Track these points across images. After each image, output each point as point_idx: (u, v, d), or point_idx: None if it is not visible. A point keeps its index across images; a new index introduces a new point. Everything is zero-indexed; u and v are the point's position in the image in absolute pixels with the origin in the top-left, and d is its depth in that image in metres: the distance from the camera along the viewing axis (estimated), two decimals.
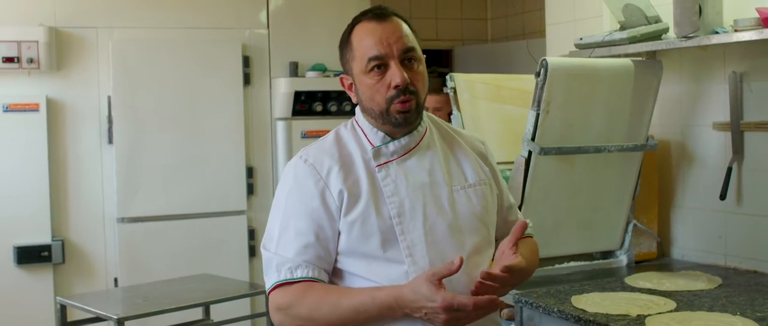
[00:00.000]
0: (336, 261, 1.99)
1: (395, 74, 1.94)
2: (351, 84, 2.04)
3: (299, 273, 1.93)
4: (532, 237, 2.27)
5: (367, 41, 1.96)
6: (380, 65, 1.95)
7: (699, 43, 3.03)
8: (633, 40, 3.24)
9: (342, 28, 2.10)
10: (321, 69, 5.11)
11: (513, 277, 1.90)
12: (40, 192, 4.70)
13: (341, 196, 1.95)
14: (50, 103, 4.75)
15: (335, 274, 2.00)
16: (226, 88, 5.03)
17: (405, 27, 2.00)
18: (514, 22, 6.38)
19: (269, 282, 1.97)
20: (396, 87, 1.94)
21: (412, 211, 1.96)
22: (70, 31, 4.80)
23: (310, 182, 1.97)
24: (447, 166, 2.06)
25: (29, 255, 4.67)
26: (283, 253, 1.95)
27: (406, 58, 1.97)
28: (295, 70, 5.13)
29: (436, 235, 1.96)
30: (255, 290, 4.15)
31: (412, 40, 1.99)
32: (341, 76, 2.08)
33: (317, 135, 4.97)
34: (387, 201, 1.96)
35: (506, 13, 6.48)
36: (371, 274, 1.94)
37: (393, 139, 2.02)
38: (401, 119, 1.97)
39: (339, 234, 1.96)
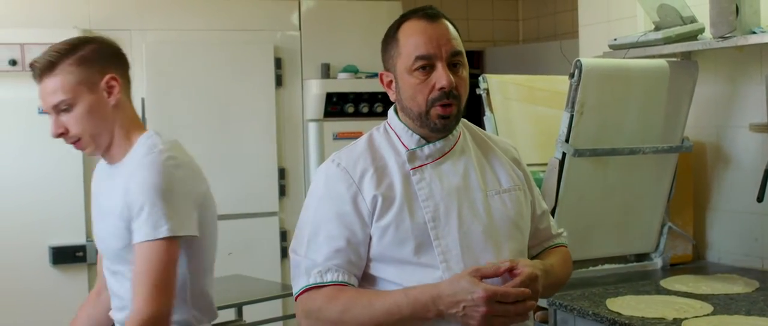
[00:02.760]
0: (368, 266, 1.96)
1: (441, 76, 1.90)
2: (391, 81, 2.00)
3: (329, 277, 1.90)
4: (565, 246, 2.24)
5: (415, 39, 1.93)
6: (426, 65, 1.92)
7: (736, 43, 2.99)
8: (668, 41, 3.21)
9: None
10: (353, 70, 5.11)
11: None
12: (74, 193, 4.74)
13: (375, 201, 1.92)
14: None
15: (367, 280, 1.97)
16: (258, 89, 5.05)
17: (454, 30, 1.97)
18: (546, 22, 6.35)
19: (297, 286, 1.94)
20: (441, 89, 1.90)
21: (447, 216, 1.93)
22: (104, 34, 4.84)
23: (342, 186, 1.94)
24: (481, 171, 2.03)
25: (64, 256, 4.71)
26: (312, 257, 1.92)
27: (453, 62, 1.94)
28: (326, 71, 5.13)
29: (471, 240, 1.93)
30: (287, 291, 4.15)
31: (460, 45, 1.96)
32: (381, 72, 2.04)
33: (349, 136, 4.97)
34: (421, 206, 1.93)
35: (538, 13, 6.44)
36: (404, 280, 1.91)
37: (428, 142, 1.99)
38: (440, 125, 1.94)
39: (370, 239, 1.93)
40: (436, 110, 1.92)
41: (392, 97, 2.03)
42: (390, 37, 1.99)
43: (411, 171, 1.96)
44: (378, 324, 1.85)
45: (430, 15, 1.96)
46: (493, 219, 1.98)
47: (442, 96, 1.91)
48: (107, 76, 2.26)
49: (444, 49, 1.92)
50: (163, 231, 2.13)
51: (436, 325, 1.86)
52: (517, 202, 2.04)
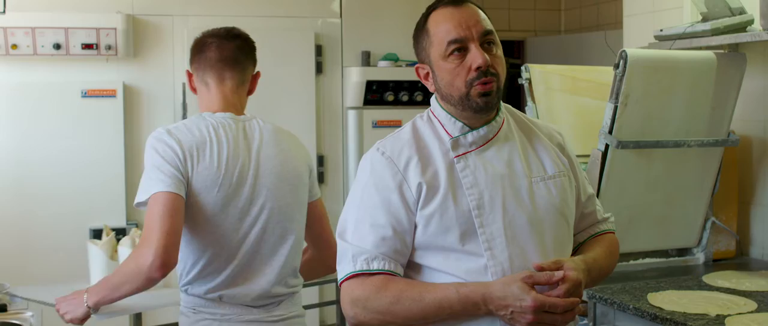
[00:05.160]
0: (413, 255, 1.96)
1: (476, 56, 1.91)
2: (428, 73, 2.01)
3: (376, 265, 1.90)
4: (612, 232, 2.21)
5: (445, 26, 1.94)
6: (460, 48, 1.93)
7: None
8: (716, 32, 3.16)
9: (415, 17, 2.08)
10: (393, 58, 5.10)
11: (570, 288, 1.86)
12: (116, 177, 4.79)
13: (420, 189, 1.92)
14: (127, 89, 4.83)
15: (412, 269, 1.97)
16: (299, 76, 5.06)
17: (481, 12, 1.98)
18: (589, 12, 6.28)
19: (343, 272, 1.94)
20: (477, 68, 1.90)
21: (492, 204, 1.92)
22: (147, 19, 4.87)
23: (388, 175, 1.94)
24: (526, 157, 2.02)
25: None
26: (359, 244, 1.92)
27: (486, 41, 1.94)
28: (367, 59, 5.12)
29: (515, 229, 1.92)
30: (324, 279, 4.15)
31: (489, 24, 1.97)
32: (417, 65, 2.05)
33: (388, 124, 4.97)
34: (466, 193, 1.92)
35: (580, 4, 6.38)
36: (449, 268, 1.91)
37: (471, 129, 1.98)
38: (482, 103, 1.93)
39: (415, 227, 1.94)
40: (477, 89, 1.92)
41: (431, 89, 2.03)
42: (420, 30, 2.01)
43: (455, 159, 1.96)
44: (426, 317, 1.88)
45: (455, 1, 1.97)
46: (538, 206, 1.97)
47: (480, 75, 1.91)
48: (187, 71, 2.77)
49: (474, 29, 1.93)
50: (142, 196, 2.46)
51: (483, 319, 1.89)
52: (561, 189, 2.03)
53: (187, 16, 4.93)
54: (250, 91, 2.80)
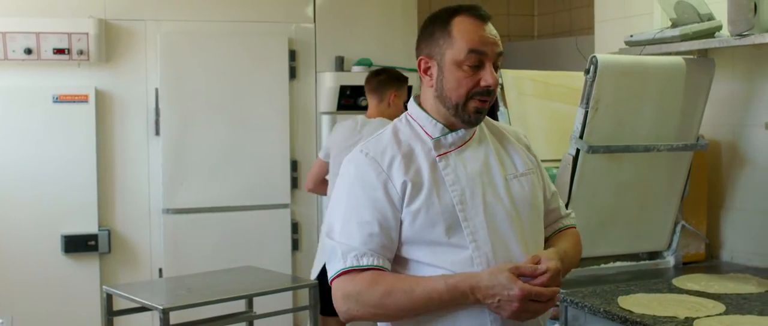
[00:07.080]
0: (399, 250, 2.03)
1: (488, 75, 2.01)
2: (430, 68, 2.07)
3: (365, 261, 1.97)
4: (574, 227, 2.32)
5: (472, 35, 2.02)
6: (477, 63, 2.01)
7: (753, 41, 2.97)
8: (685, 38, 3.19)
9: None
10: (367, 64, 5.11)
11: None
12: (87, 183, 4.77)
13: (405, 187, 2.00)
14: (99, 95, 4.81)
15: (399, 263, 2.05)
16: (272, 81, 5.06)
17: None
18: (562, 18, 6.33)
19: (333, 269, 2.00)
20: (486, 86, 2.01)
21: (473, 199, 2.02)
22: (120, 24, 4.85)
23: (372, 174, 2.02)
24: (499, 157, 2.13)
25: (76, 244, 4.74)
26: (347, 242, 1.99)
27: (497, 63, 2.05)
28: (340, 64, 5.13)
29: (496, 221, 2.03)
30: (298, 283, 4.16)
31: (501, 47, 2.08)
32: (422, 57, 2.09)
33: None
34: (449, 190, 2.02)
35: (554, 9, 6.42)
36: (436, 260, 2.00)
37: (451, 130, 2.07)
38: (474, 118, 2.05)
39: (401, 223, 2.01)
40: (474, 103, 2.03)
41: (427, 84, 2.10)
42: (440, 27, 2.06)
43: (437, 158, 2.05)
44: (416, 308, 1.96)
45: (483, 16, 2.06)
46: (515, 200, 2.08)
47: (484, 92, 2.02)
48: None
49: (493, 48, 2.03)
50: None
51: (472, 308, 1.98)
52: (532, 185, 2.15)
53: (160, 21, 4.92)
54: (390, 104, 4.37)
